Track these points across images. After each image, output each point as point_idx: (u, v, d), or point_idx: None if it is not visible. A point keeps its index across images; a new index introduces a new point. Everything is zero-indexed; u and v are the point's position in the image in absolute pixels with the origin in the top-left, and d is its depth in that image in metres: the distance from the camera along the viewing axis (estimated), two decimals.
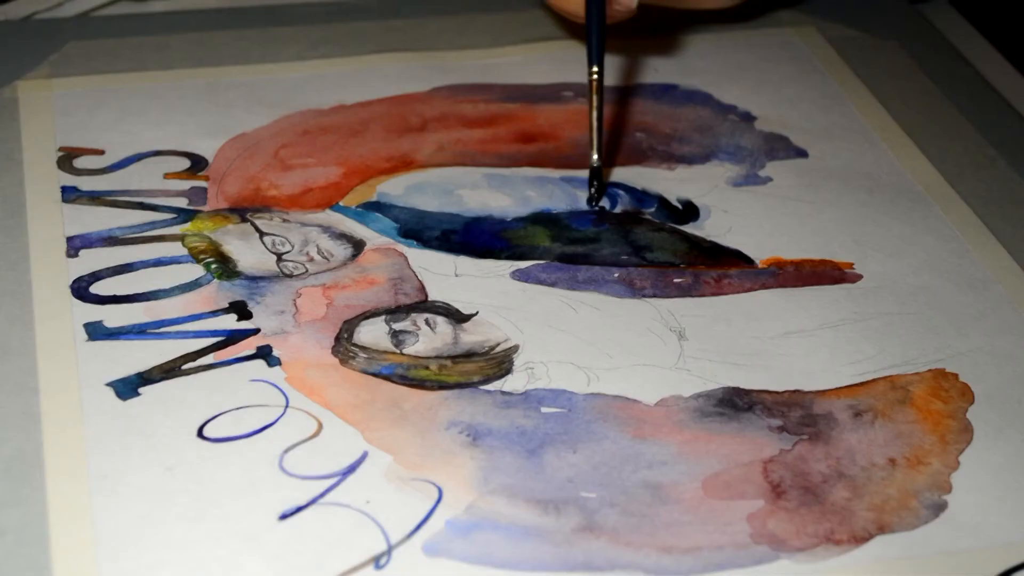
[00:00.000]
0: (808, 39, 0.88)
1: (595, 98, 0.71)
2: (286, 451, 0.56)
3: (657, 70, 0.84)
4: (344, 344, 0.62)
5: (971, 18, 0.95)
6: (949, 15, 0.95)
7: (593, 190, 0.72)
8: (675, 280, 0.68)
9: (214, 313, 0.63)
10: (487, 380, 0.61)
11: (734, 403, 0.61)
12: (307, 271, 0.66)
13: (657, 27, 0.87)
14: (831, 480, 0.57)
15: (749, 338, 0.65)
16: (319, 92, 0.79)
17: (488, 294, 0.66)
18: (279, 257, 0.66)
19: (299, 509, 0.54)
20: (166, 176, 0.71)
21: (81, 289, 0.63)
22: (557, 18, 0.85)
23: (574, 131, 0.78)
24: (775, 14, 0.90)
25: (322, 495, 0.54)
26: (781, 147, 0.78)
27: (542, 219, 0.71)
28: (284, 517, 0.53)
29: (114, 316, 0.62)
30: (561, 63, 0.83)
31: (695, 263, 0.69)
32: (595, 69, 0.72)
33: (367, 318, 0.63)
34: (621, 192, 0.74)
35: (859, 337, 0.65)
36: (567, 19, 0.78)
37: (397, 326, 0.63)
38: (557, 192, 0.73)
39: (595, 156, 0.72)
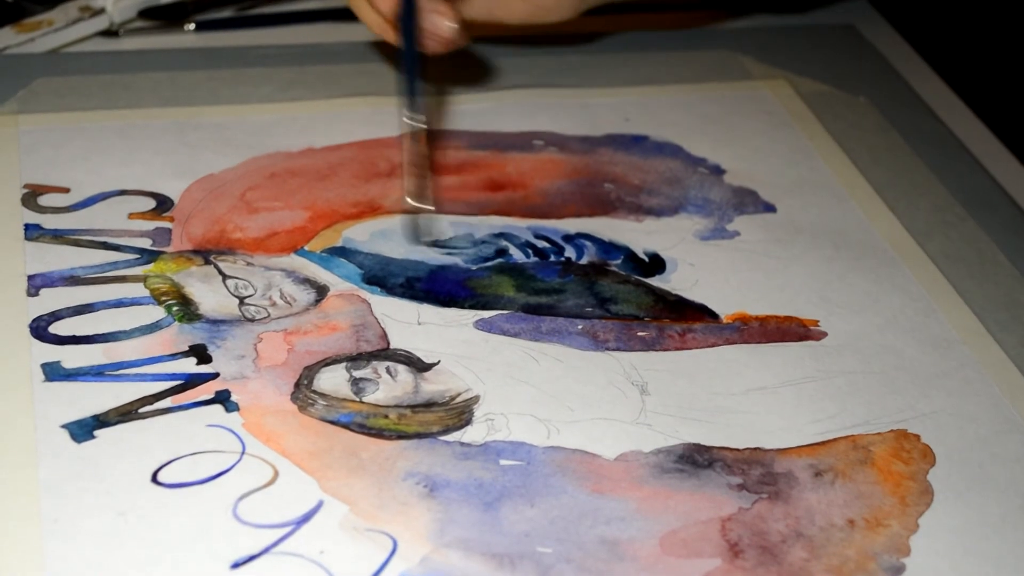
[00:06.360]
0: (779, 93, 0.88)
1: (411, 139, 0.70)
2: (240, 498, 0.56)
3: (628, 120, 0.84)
4: (304, 391, 0.61)
5: (943, 74, 0.95)
6: (921, 70, 0.95)
7: (418, 232, 0.72)
8: (639, 333, 0.67)
9: (173, 356, 0.62)
10: (446, 431, 0.60)
11: (694, 460, 0.60)
12: (269, 316, 0.65)
13: (631, 75, 0.87)
14: (789, 540, 0.57)
15: (711, 394, 0.64)
16: (288, 135, 0.78)
17: (451, 343, 0.65)
18: (241, 301, 0.66)
19: (252, 558, 0.53)
20: (131, 216, 0.70)
21: (40, 329, 0.62)
22: (526, 66, 0.86)
23: (543, 180, 0.78)
24: (746, 67, 0.90)
25: (275, 544, 0.54)
26: (750, 201, 0.78)
27: (507, 269, 0.71)
28: (236, 566, 0.53)
29: (72, 357, 0.61)
30: (532, 111, 0.83)
31: (660, 317, 0.69)
32: (413, 115, 0.70)
33: (327, 365, 0.63)
34: (588, 243, 0.73)
35: (822, 395, 0.65)
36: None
37: (358, 373, 0.63)
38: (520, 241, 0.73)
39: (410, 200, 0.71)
